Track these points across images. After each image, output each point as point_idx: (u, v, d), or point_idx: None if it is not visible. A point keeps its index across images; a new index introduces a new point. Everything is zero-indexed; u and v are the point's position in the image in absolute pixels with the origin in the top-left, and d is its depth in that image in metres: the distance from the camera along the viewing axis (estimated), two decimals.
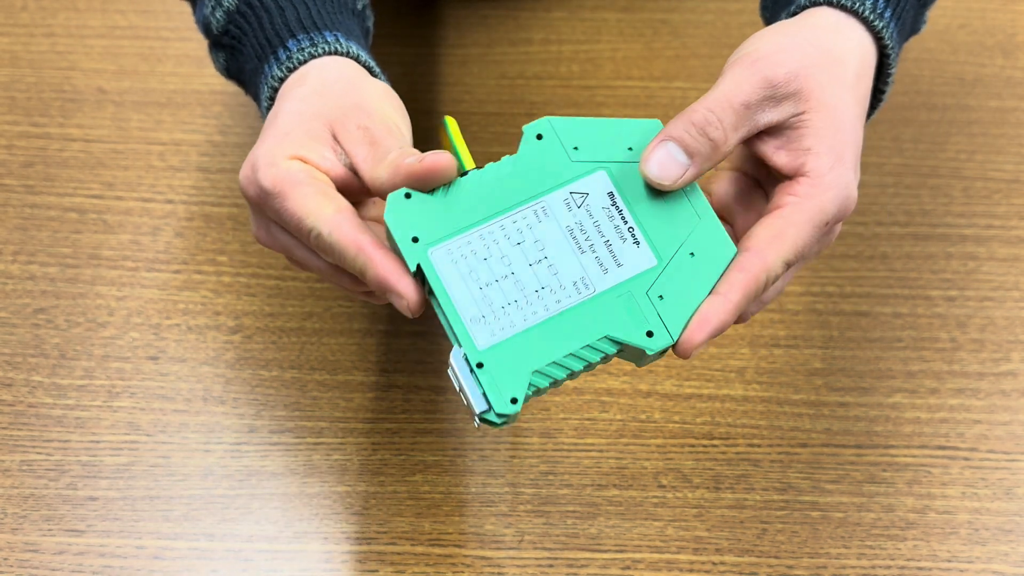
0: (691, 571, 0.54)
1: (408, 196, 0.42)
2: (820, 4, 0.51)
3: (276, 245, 0.48)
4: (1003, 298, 0.68)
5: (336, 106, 0.47)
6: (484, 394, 0.40)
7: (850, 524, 0.56)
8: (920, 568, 0.55)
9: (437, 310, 0.42)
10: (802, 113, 0.45)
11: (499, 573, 0.54)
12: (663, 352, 0.42)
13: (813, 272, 0.69)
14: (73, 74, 0.80)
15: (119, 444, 0.58)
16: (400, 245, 0.42)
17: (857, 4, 0.50)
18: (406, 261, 0.42)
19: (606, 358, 0.42)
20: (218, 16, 0.54)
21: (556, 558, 0.54)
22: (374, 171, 0.44)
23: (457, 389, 0.41)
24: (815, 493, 0.58)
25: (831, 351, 0.64)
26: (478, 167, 0.44)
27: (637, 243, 0.43)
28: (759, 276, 0.43)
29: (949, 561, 0.55)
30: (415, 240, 0.42)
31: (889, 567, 0.55)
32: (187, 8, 0.87)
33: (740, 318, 0.46)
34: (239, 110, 0.78)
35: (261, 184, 0.45)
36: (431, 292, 0.42)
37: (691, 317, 0.42)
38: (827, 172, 0.45)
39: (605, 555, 0.55)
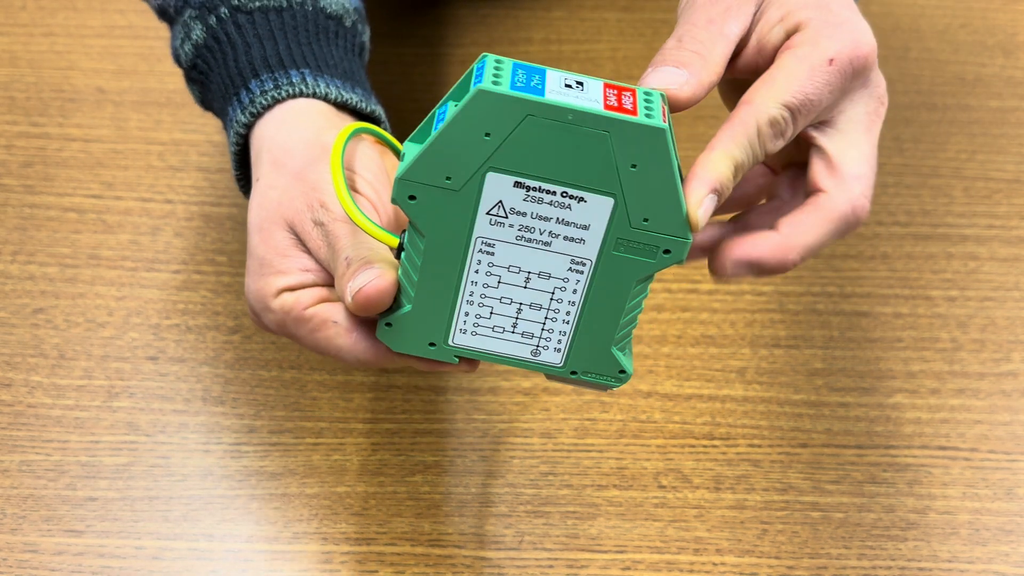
0: (691, 572, 0.54)
1: (389, 324, 0.42)
2: None
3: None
4: (1004, 298, 0.68)
5: (294, 195, 0.45)
6: (594, 383, 0.43)
7: (851, 524, 0.56)
8: (921, 568, 0.55)
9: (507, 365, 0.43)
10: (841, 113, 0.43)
11: (499, 574, 0.54)
12: (687, 248, 0.39)
13: (814, 272, 0.69)
14: (72, 74, 0.80)
15: (118, 444, 0.58)
16: (427, 356, 0.42)
17: None
18: (444, 360, 0.43)
19: (645, 296, 0.41)
20: (187, 49, 0.52)
21: (556, 559, 0.54)
22: (338, 291, 0.43)
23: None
24: (816, 493, 0.57)
25: (832, 351, 0.64)
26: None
27: (581, 199, 0.38)
28: (747, 120, 0.40)
29: (950, 562, 0.55)
30: (433, 345, 0.42)
31: (890, 567, 0.55)
32: None
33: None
34: None
35: (269, 328, 0.46)
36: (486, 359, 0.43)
37: (686, 204, 0.38)
38: (822, 25, 0.42)
39: (605, 556, 0.54)
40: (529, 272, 0.40)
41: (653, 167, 0.37)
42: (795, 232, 0.41)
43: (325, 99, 0.49)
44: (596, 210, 0.38)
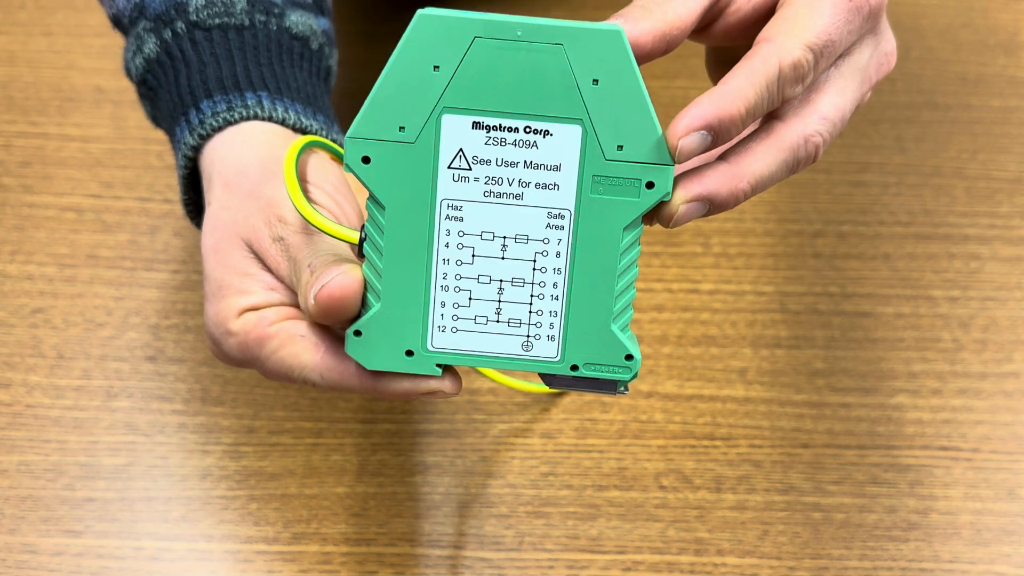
0: (692, 572, 0.54)
1: (358, 333, 0.37)
2: None
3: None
4: (1006, 298, 0.68)
5: (249, 214, 0.42)
6: (601, 380, 0.38)
7: (852, 525, 0.56)
8: (922, 569, 0.55)
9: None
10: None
11: (499, 575, 0.53)
12: (671, 176, 0.35)
13: (815, 272, 0.69)
14: (71, 73, 0.80)
15: (117, 445, 0.58)
16: (405, 371, 0.38)
17: None
18: (425, 373, 0.38)
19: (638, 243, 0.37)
20: (138, 63, 0.49)
21: (556, 559, 0.54)
22: (301, 303, 0.39)
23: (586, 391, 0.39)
24: (817, 494, 0.57)
25: (833, 351, 0.64)
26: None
27: (547, 132, 0.34)
28: (768, 59, 0.36)
29: (951, 562, 0.55)
30: (411, 354, 0.37)
31: (891, 568, 0.54)
32: None
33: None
34: None
35: (231, 356, 0.42)
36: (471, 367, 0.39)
37: (669, 132, 0.35)
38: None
39: (606, 556, 0.54)
40: (505, 237, 0.36)
41: (616, 80, 0.34)
42: (744, 160, 0.37)
43: (283, 124, 0.46)
44: (565, 143, 0.34)
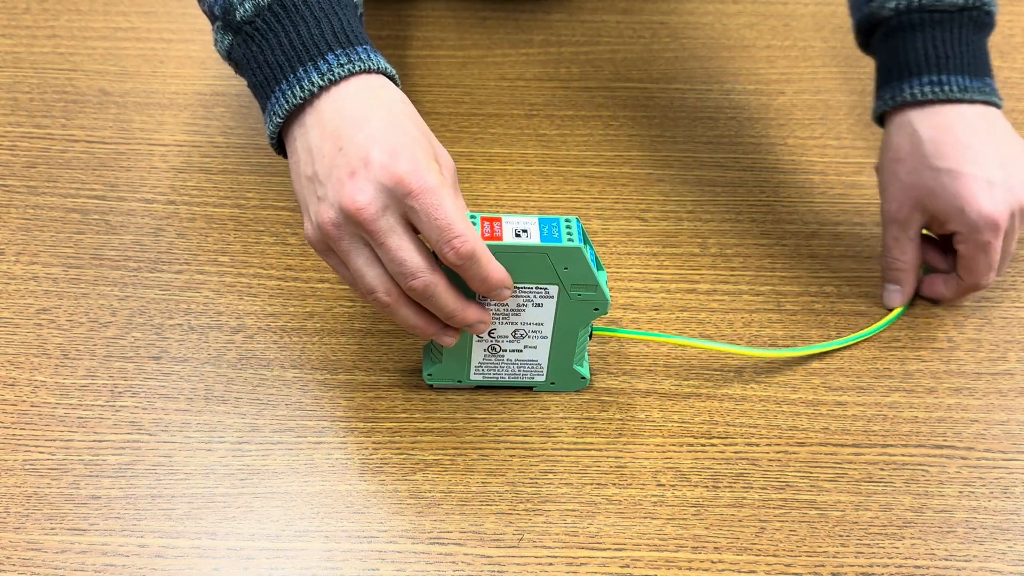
0: (689, 569, 0.54)
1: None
2: (889, 111, 0.65)
3: (378, 267, 0.53)
4: (1000, 298, 0.68)
5: (425, 131, 0.54)
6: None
7: (848, 523, 0.57)
8: (917, 566, 0.55)
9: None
10: (926, 207, 0.63)
11: (499, 571, 0.54)
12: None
13: (811, 272, 0.69)
14: (76, 75, 0.80)
15: (121, 443, 0.58)
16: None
17: (916, 96, 0.63)
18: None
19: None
20: (247, 7, 0.55)
21: (555, 556, 0.55)
22: (446, 243, 0.51)
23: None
24: (813, 492, 0.58)
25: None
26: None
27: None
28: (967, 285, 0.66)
29: (946, 560, 0.55)
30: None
31: (887, 565, 0.55)
32: (189, 11, 0.87)
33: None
34: (241, 111, 0.78)
35: (422, 175, 0.50)
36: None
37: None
38: (964, 229, 0.63)
39: (604, 553, 0.55)
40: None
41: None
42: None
43: (385, 74, 0.55)
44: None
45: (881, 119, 0.66)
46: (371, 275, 0.53)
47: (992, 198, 0.61)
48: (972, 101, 0.62)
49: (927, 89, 0.62)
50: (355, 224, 0.51)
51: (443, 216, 0.50)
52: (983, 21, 0.64)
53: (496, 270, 0.53)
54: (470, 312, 0.55)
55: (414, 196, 0.50)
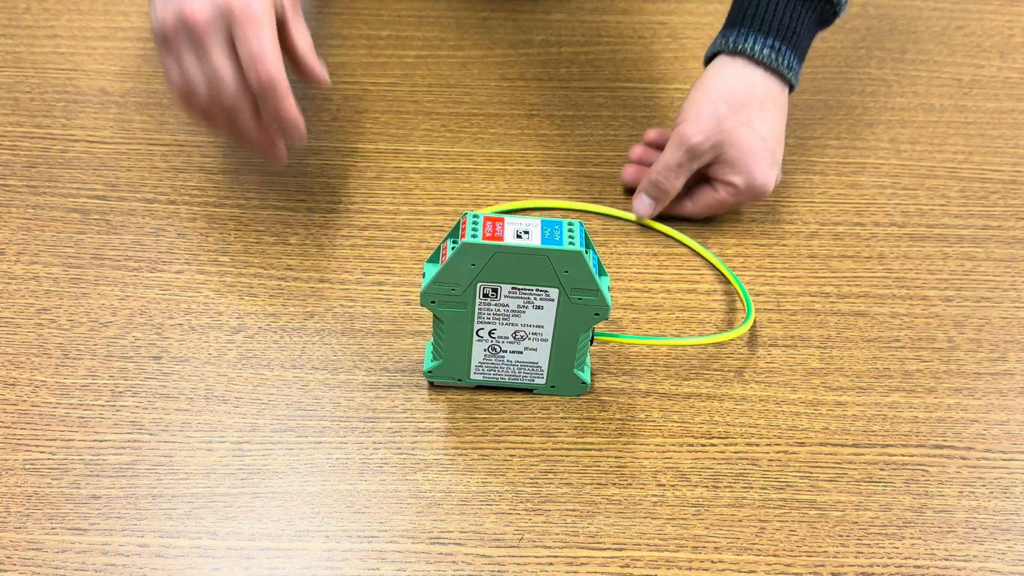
0: (689, 569, 0.54)
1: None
2: (728, 53, 0.69)
3: (199, 73, 0.59)
4: (1000, 298, 0.69)
5: None
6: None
7: (848, 523, 0.57)
8: (917, 566, 0.55)
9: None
10: (722, 152, 0.68)
11: (499, 571, 0.54)
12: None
13: (811, 272, 0.69)
14: (76, 75, 0.80)
15: (122, 443, 0.58)
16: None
17: (756, 54, 0.68)
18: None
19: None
20: None
21: (556, 556, 0.55)
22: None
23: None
24: (813, 492, 0.58)
25: (829, 351, 0.65)
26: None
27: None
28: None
29: (946, 560, 0.55)
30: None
31: (887, 565, 0.55)
32: None
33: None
34: None
35: (249, 4, 0.56)
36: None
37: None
38: (743, 186, 0.69)
39: (604, 553, 0.55)
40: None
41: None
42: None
43: None
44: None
45: (714, 56, 0.71)
46: (194, 74, 0.59)
47: (771, 170, 0.69)
48: (790, 82, 0.70)
49: (768, 52, 0.68)
50: (188, 31, 0.58)
51: (256, 44, 0.57)
52: (827, 18, 0.71)
53: (292, 107, 0.59)
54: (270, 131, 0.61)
55: (237, 21, 0.57)
